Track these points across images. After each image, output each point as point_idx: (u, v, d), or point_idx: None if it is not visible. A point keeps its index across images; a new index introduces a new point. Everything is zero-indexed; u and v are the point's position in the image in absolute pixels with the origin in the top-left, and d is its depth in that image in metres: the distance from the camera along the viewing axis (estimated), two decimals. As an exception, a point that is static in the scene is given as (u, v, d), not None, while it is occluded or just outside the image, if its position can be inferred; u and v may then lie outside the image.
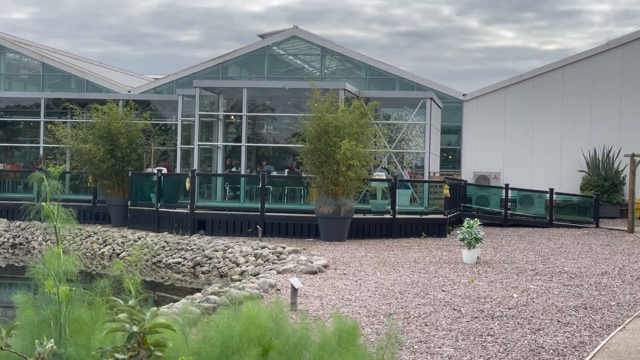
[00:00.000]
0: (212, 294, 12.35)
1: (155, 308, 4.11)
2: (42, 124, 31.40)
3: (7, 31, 46.38)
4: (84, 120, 29.47)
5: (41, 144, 31.44)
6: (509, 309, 11.69)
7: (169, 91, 34.70)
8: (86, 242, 24.81)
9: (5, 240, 26.26)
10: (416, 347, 9.22)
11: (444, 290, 13.43)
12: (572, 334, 10.06)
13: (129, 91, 35.40)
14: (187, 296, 12.90)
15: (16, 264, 22.81)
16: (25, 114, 35.15)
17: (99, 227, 26.49)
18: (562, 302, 12.34)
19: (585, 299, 12.70)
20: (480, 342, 9.50)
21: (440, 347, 9.21)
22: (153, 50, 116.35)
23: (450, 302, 12.19)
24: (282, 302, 9.86)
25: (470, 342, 9.46)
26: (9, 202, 28.39)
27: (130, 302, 4.10)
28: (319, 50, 35.88)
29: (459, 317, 10.98)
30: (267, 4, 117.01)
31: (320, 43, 35.95)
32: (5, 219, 27.77)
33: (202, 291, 13.21)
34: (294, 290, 11.53)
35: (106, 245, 24.03)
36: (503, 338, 9.69)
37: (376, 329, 10.23)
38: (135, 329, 3.88)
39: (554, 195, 29.28)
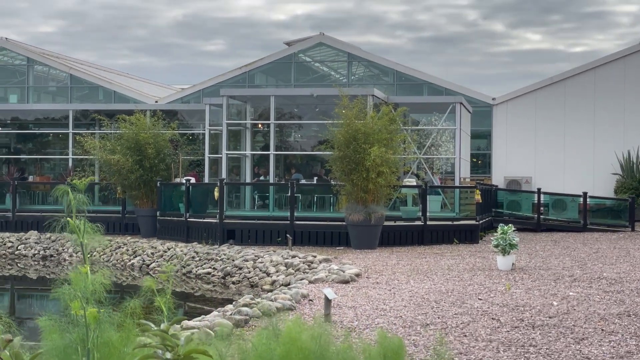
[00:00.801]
0: (243, 305, 12.11)
1: (190, 334, 3.85)
2: (70, 135, 31.42)
3: (35, 44, 46.56)
4: (112, 131, 29.43)
5: (70, 156, 31.44)
6: (550, 317, 11.35)
7: (196, 101, 34.61)
8: (116, 253, 24.73)
9: (36, 252, 26.24)
10: (456, 359, 8.91)
11: (480, 299, 13.10)
12: (618, 343, 9.70)
13: (156, 101, 35.36)
14: (219, 308, 12.67)
15: (47, 276, 22.75)
16: (54, 125, 35.22)
17: (129, 238, 26.39)
18: (604, 310, 11.97)
19: (628, 306, 12.31)
20: (522, 353, 9.17)
21: (481, 359, 8.90)
22: (179, 61, 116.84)
23: (488, 311, 11.86)
24: (319, 317, 9.58)
25: (512, 354, 9.14)
26: (38, 214, 28.39)
27: (163, 326, 3.84)
28: (345, 56, 35.64)
29: (498, 327, 10.66)
30: (291, 13, 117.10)
31: (347, 49, 35.71)
32: (36, 231, 27.76)
33: (233, 303, 12.98)
34: (328, 301, 11.26)
35: (136, 256, 23.92)
36: (546, 349, 9.36)
37: (413, 340, 9.93)
38: (168, 355, 3.63)
39: (588, 199, 28.80)
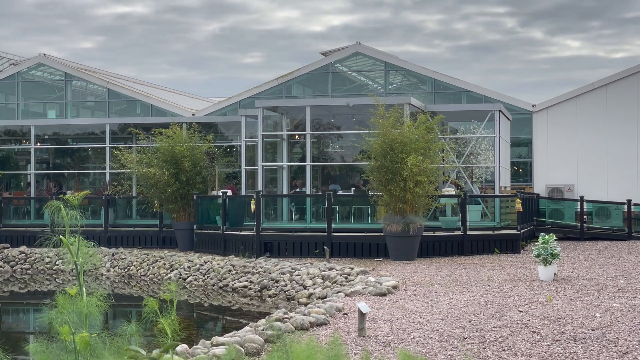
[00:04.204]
0: (276, 320, 11.85)
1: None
2: (107, 149, 31.50)
3: (76, 60, 46.93)
4: (149, 145, 29.43)
5: (107, 170, 31.51)
6: (592, 330, 10.92)
7: (232, 113, 34.51)
8: (153, 267, 24.66)
9: (74, 267, 26.18)
10: (494, 375, 8.55)
11: (520, 311, 12.70)
12: (664, 357, 9.26)
13: (193, 114, 35.35)
14: (251, 323, 12.41)
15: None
16: (92, 140, 35.37)
17: (166, 251, 26.33)
18: (649, 322, 11.50)
19: (675, 317, 11.83)
20: (563, 368, 8.79)
21: (520, 375, 8.53)
22: (217, 74, 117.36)
23: (529, 324, 11.46)
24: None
25: (552, 369, 8.76)
26: (76, 228, 28.36)
27: (154, 353, 3.59)
28: (382, 65, 35.33)
29: (538, 341, 10.27)
30: (328, 24, 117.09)
31: (384, 58, 35.39)
32: (74, 246, 27.75)
33: (266, 317, 12.72)
34: (362, 315, 10.95)
35: (173, 270, 23.81)
36: (588, 363, 8.96)
37: (450, 355, 9.58)
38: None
39: (632, 207, 28.15)
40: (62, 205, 3.98)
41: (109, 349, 3.68)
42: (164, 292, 4.73)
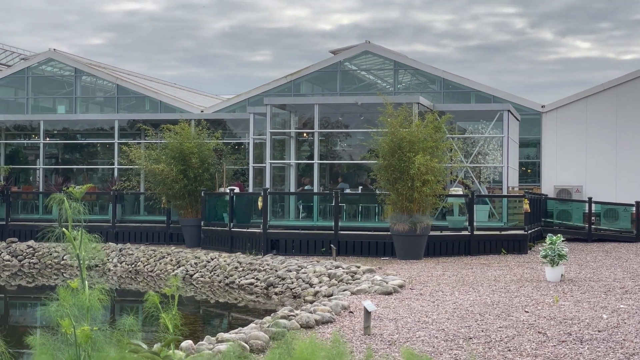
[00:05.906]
0: (281, 317, 11.84)
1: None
2: (116, 145, 31.54)
3: (86, 56, 46.97)
4: (157, 141, 29.46)
5: (115, 166, 31.56)
6: (599, 331, 10.88)
7: (241, 110, 34.47)
8: (160, 263, 24.68)
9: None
10: (499, 375, 8.53)
11: (527, 311, 12.67)
12: (670, 359, 9.22)
13: (202, 111, 35.35)
14: (256, 320, 12.41)
15: (91, 287, 22.67)
16: (101, 136, 35.43)
17: (173, 247, 26.35)
18: (656, 324, 11.46)
19: (682, 320, 11.78)
20: (569, 369, 8.76)
21: (525, 376, 8.51)
22: (226, 71, 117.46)
23: (535, 324, 11.43)
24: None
25: (558, 370, 8.73)
26: (85, 224, 28.39)
27: (155, 347, 3.58)
28: (391, 64, 35.27)
29: (544, 341, 10.24)
30: (337, 23, 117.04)
31: (393, 57, 35.33)
32: (81, 241, 27.78)
33: (271, 315, 12.72)
34: (367, 314, 10.94)
35: (179, 267, 23.82)
36: (594, 365, 8.93)
37: (455, 354, 9.57)
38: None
39: (641, 209, 28.04)
40: (65, 198, 3.97)
41: (109, 343, 3.67)
42: (168, 288, 4.74)
